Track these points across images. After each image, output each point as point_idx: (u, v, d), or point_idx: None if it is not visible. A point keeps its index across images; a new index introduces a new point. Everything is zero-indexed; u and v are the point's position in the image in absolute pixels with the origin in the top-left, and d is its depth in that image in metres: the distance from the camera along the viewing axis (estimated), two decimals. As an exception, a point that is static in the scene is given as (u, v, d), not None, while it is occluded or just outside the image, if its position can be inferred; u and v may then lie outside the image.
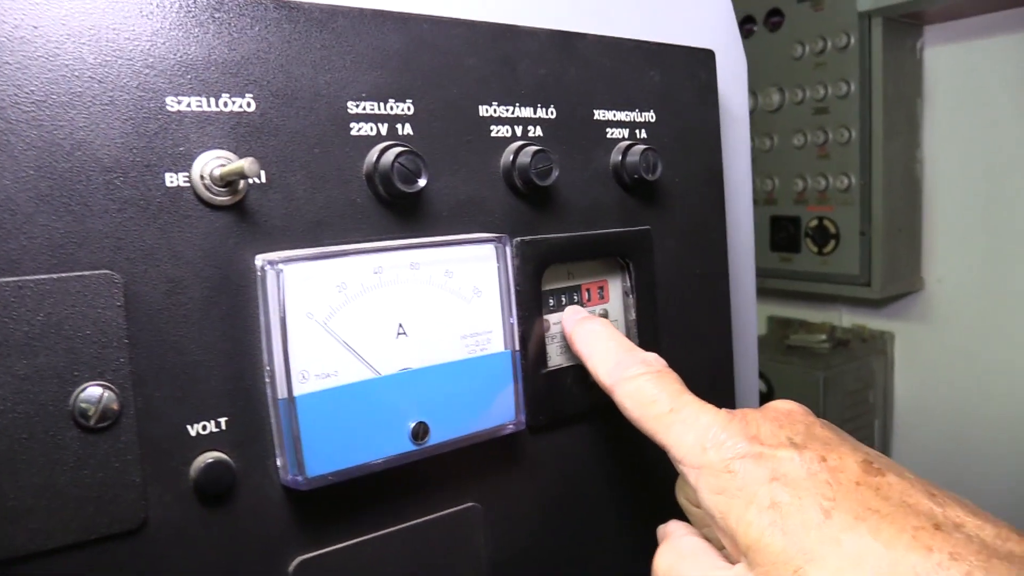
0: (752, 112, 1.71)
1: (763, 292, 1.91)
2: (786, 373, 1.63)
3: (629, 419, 0.41)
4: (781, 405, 0.39)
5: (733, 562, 0.36)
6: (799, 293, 1.83)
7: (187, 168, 0.35)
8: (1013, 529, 0.31)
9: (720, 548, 0.38)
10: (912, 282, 1.62)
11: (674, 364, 0.44)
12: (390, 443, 0.39)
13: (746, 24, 1.71)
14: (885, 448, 1.71)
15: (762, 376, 1.68)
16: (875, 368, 1.69)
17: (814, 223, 1.63)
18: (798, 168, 1.65)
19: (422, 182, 0.40)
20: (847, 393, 1.62)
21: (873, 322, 1.75)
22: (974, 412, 1.57)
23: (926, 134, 1.60)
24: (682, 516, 0.44)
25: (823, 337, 1.75)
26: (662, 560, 0.39)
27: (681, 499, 0.44)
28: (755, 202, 1.73)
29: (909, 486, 0.33)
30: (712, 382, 0.57)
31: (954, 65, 1.55)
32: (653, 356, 0.43)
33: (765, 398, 0.98)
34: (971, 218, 1.55)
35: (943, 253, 1.61)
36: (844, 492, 0.33)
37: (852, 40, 1.52)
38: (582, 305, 0.50)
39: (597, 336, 0.45)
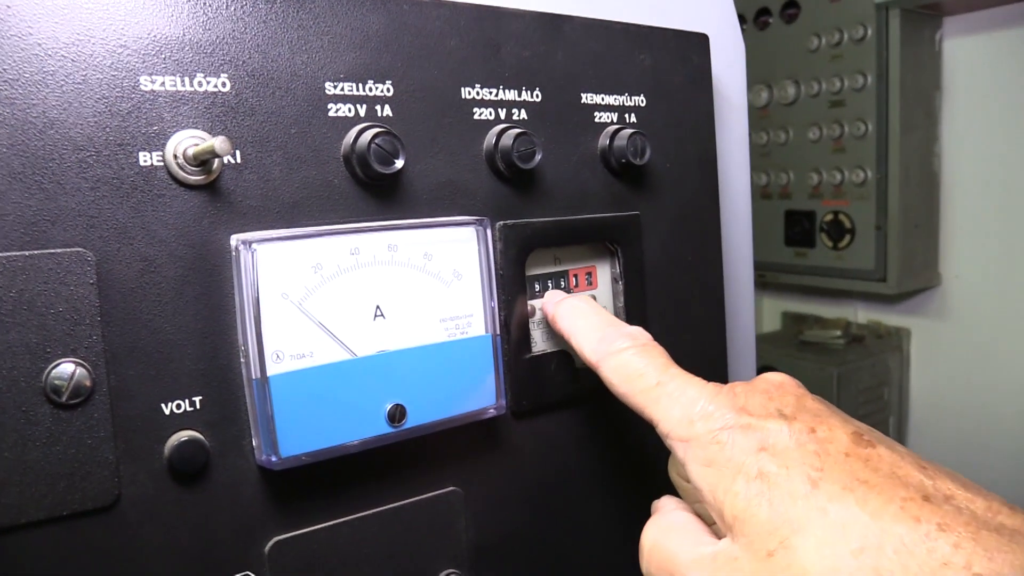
0: (767, 105, 1.69)
1: (777, 287, 1.89)
2: (799, 369, 1.62)
3: (616, 394, 0.40)
4: (772, 377, 0.38)
5: (721, 538, 0.35)
6: (813, 288, 1.81)
7: (161, 147, 0.35)
8: (1004, 502, 0.31)
9: (711, 524, 0.38)
10: (929, 278, 1.60)
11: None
12: (366, 425, 0.39)
13: (761, 16, 1.70)
14: (900, 446, 1.68)
15: (775, 371, 1.66)
16: (891, 365, 1.67)
17: (829, 217, 1.61)
18: (813, 162, 1.63)
19: (399, 163, 0.40)
20: (861, 390, 1.60)
21: (889, 318, 1.73)
22: (991, 410, 1.54)
23: (944, 127, 1.57)
24: (675, 493, 0.44)
25: (838, 333, 1.73)
26: (648, 534, 0.39)
27: (673, 475, 0.44)
28: (769, 196, 1.71)
29: (899, 458, 0.33)
30: (705, 374, 0.56)
31: (974, 57, 1.53)
32: (638, 330, 0.43)
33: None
34: (989, 213, 1.52)
35: (961, 248, 1.58)
36: (832, 463, 0.32)
37: (869, 32, 1.49)
38: (569, 291, 0.50)
39: (580, 312, 0.45)
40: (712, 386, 0.38)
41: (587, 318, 0.44)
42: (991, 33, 1.49)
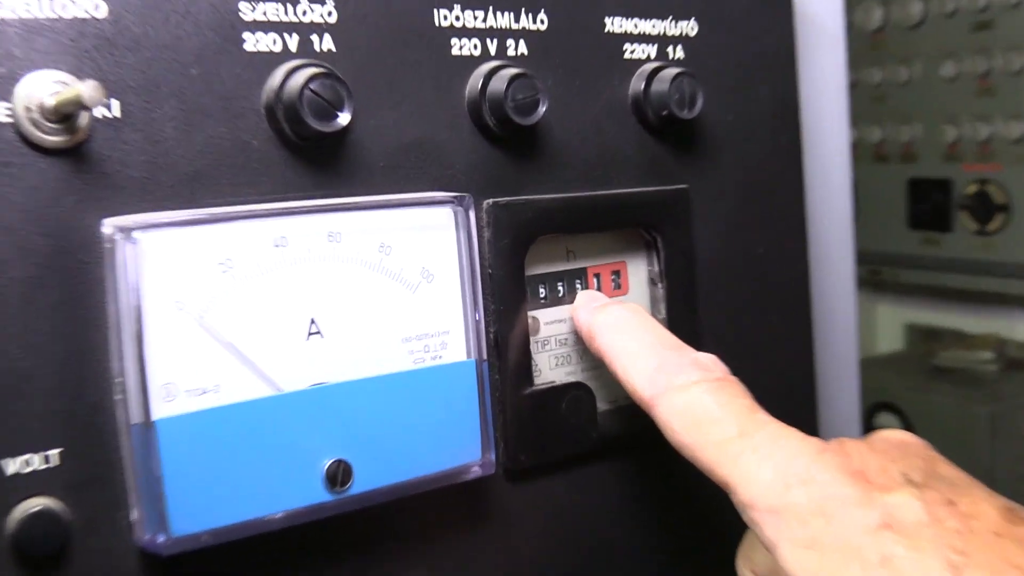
0: (881, 28, 1.69)
1: (898, 288, 1.88)
2: (932, 406, 1.60)
3: (675, 444, 0.41)
4: (892, 435, 0.39)
5: None
6: (951, 290, 1.80)
7: (8, 96, 0.35)
8: None
9: None
10: (1121, 277, 1.59)
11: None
12: (294, 490, 0.39)
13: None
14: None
15: (895, 410, 1.65)
16: (1067, 402, 1.66)
17: (973, 189, 1.61)
18: (949, 109, 1.62)
19: (344, 118, 0.40)
20: (1026, 437, 1.59)
21: (1062, 335, 1.72)
22: None
23: None
24: None
25: (988, 355, 1.72)
26: None
27: (745, 572, 0.44)
28: (885, 158, 1.71)
29: None
30: (782, 414, 0.56)
31: None
32: (711, 358, 0.43)
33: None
34: None
35: None
36: (979, 544, 0.33)
37: (1030, -77, 1.49)
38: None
39: (629, 326, 0.45)
40: (814, 441, 0.38)
41: (639, 335, 0.44)
42: None
